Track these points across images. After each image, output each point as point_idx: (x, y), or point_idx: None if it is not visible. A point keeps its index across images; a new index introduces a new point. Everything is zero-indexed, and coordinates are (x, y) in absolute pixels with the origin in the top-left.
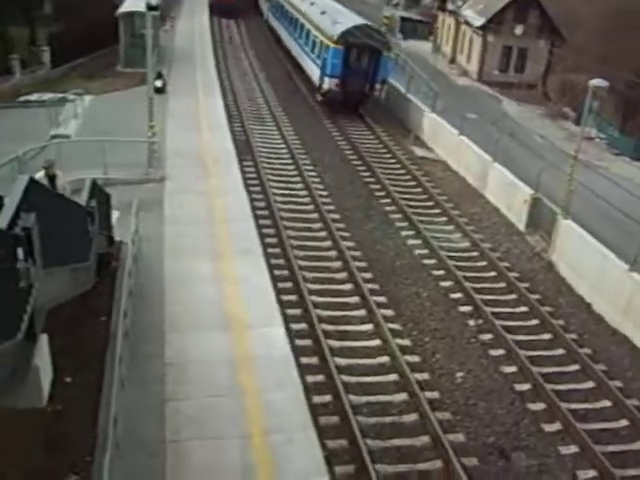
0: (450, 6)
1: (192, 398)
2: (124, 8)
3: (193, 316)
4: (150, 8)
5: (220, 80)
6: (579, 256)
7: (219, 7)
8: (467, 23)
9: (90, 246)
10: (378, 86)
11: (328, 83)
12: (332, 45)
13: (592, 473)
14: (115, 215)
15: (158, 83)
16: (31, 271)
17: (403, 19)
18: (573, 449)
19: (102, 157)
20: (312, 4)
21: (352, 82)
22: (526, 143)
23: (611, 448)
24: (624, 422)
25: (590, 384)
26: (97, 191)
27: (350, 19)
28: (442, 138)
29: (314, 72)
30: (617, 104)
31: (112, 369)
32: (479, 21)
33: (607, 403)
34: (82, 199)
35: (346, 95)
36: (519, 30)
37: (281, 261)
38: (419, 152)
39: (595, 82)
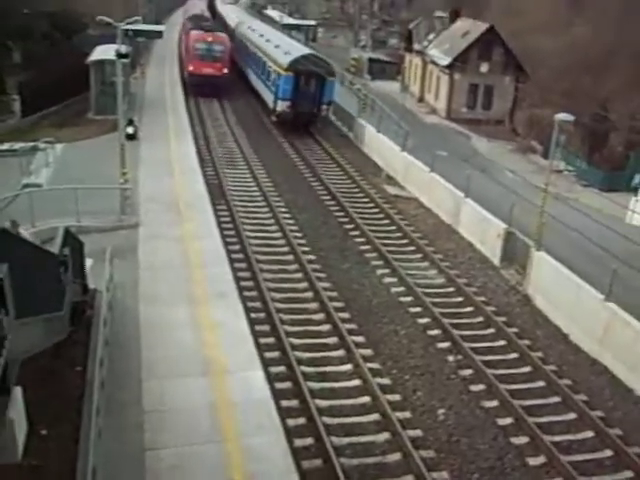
0: (416, 46)
1: (172, 446)
2: (94, 56)
3: (171, 362)
4: (120, 56)
5: (192, 125)
6: (554, 288)
7: (197, 84)
8: (434, 62)
9: (64, 295)
10: (324, 107)
11: (280, 105)
12: (283, 73)
13: None
14: (89, 263)
15: (129, 130)
16: (3, 322)
17: (371, 60)
18: None
19: (75, 205)
20: (268, 40)
21: (301, 104)
22: (497, 178)
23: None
24: (608, 452)
25: (572, 415)
26: (70, 239)
27: (299, 50)
28: (414, 176)
29: (269, 97)
30: (583, 137)
31: (89, 419)
32: (445, 60)
33: (590, 434)
34: (55, 248)
35: (296, 115)
36: (484, 68)
37: (258, 304)
38: (391, 190)
39: (561, 116)
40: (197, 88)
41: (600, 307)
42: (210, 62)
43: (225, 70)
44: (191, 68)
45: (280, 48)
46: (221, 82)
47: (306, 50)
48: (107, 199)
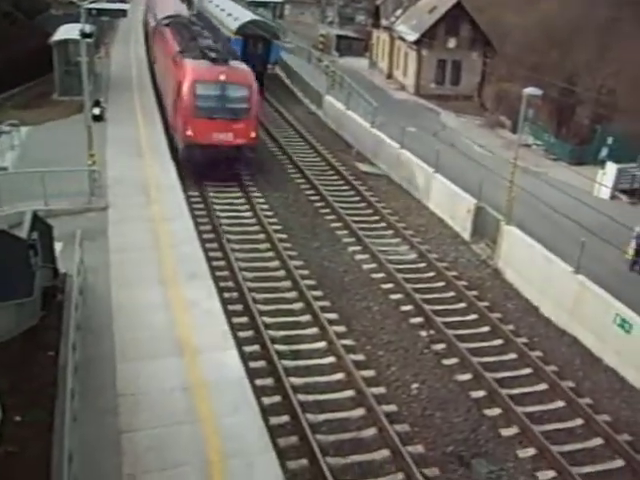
0: (384, 22)
1: (148, 428)
2: (58, 36)
3: (144, 344)
4: (84, 35)
5: (159, 104)
6: (524, 261)
7: (203, 160)
8: (401, 38)
9: (34, 280)
10: (270, 66)
11: None
12: (233, 36)
13: (551, 474)
14: (58, 247)
15: (96, 111)
16: None
17: (339, 37)
18: (531, 451)
19: (42, 188)
20: (222, 10)
21: (249, 64)
22: (466, 153)
23: (568, 448)
24: (579, 421)
25: (543, 386)
26: (39, 223)
27: (247, 16)
28: (384, 153)
29: None
30: (551, 111)
31: (63, 404)
32: (413, 36)
33: (561, 404)
34: (23, 232)
35: None
36: (452, 43)
37: (230, 283)
38: (362, 167)
39: (529, 91)
40: (201, 167)
41: (570, 279)
42: (226, 121)
43: (252, 134)
44: (190, 133)
45: (232, 16)
46: (244, 156)
47: (254, 16)
48: (75, 182)
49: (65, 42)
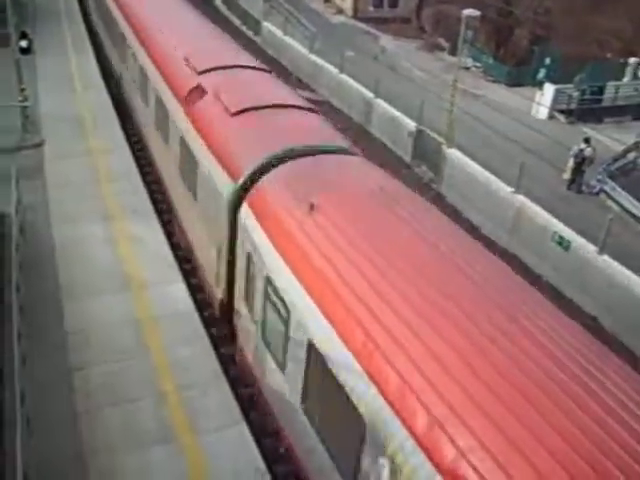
0: None
1: (99, 365)
2: None
3: (90, 281)
4: None
5: (91, 35)
6: (466, 183)
7: None
8: None
9: None
10: None
11: None
12: None
13: None
14: None
15: (23, 43)
16: None
17: None
18: None
19: None
20: None
21: None
22: (406, 77)
23: None
24: None
25: None
26: None
27: None
28: (323, 78)
29: None
30: (489, 32)
31: (11, 346)
32: None
33: None
34: None
35: None
36: None
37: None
38: (301, 94)
39: (467, 12)
40: None
41: (510, 199)
42: None
43: None
44: None
45: None
46: None
47: None
48: (6, 118)
49: None
